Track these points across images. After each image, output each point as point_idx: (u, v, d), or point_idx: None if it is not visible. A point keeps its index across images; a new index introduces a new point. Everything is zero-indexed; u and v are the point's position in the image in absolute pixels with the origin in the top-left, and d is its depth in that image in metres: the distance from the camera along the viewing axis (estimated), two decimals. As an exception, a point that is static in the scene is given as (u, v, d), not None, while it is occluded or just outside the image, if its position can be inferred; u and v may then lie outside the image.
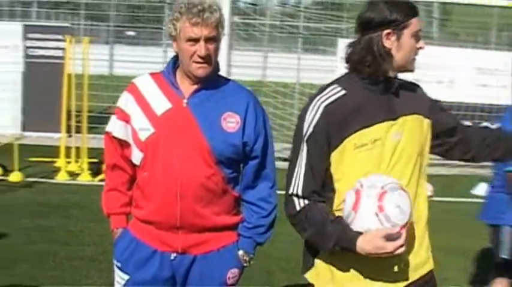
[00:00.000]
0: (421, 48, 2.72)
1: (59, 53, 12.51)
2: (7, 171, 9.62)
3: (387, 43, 2.64)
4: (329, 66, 14.01)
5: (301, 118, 2.68)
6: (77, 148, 10.00)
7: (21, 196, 8.57)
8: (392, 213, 2.46)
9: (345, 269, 2.68)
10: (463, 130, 2.91)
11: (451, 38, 20.00)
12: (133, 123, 2.91)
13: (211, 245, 2.96)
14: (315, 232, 2.61)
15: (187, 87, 2.90)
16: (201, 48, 2.78)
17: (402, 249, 2.49)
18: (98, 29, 22.74)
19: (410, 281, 2.74)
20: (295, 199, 2.65)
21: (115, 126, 2.98)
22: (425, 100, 2.85)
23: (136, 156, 2.92)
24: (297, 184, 2.65)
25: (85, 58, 10.41)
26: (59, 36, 12.47)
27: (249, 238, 3.02)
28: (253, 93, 3.04)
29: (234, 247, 3.02)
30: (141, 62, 14.78)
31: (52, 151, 10.67)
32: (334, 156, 2.62)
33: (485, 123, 10.57)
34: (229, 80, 3.03)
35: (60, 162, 10.12)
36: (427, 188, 8.64)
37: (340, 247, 2.56)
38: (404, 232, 2.48)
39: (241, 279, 3.11)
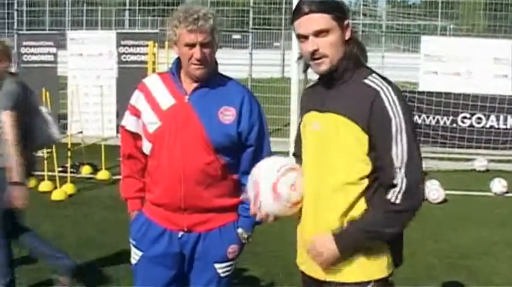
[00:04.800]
0: (311, 52, 2.72)
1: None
2: (97, 170, 10.34)
3: None
4: (412, 64, 14.04)
5: None
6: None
7: (103, 192, 9.25)
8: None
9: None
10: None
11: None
12: (143, 118, 3.30)
13: (213, 224, 3.30)
14: None
15: (189, 85, 3.26)
16: (197, 52, 3.13)
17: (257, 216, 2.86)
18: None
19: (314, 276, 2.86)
20: None
21: (127, 121, 3.39)
22: (377, 118, 2.67)
23: (146, 146, 3.31)
24: None
25: (168, 62, 10.98)
26: (149, 43, 13.16)
27: (247, 217, 3.28)
28: (248, 88, 3.39)
29: (234, 225, 3.34)
30: (226, 65, 15.18)
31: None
32: None
33: None
34: (227, 77, 3.35)
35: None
36: (502, 184, 8.74)
37: None
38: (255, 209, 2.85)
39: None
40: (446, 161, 11.76)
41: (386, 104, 2.67)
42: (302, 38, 2.74)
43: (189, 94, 3.24)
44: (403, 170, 2.63)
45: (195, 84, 3.25)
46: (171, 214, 3.27)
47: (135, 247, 3.40)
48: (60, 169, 9.48)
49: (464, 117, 12.54)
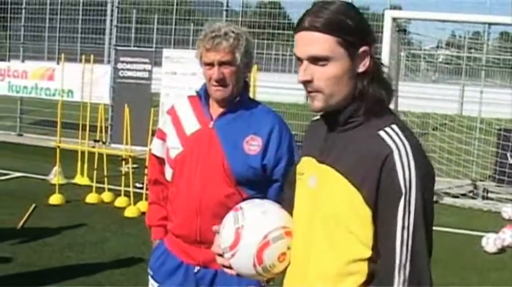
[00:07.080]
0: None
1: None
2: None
3: None
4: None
5: None
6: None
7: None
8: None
9: None
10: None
11: None
12: (167, 142, 3.15)
13: None
14: None
15: (216, 110, 3.06)
16: (215, 72, 2.95)
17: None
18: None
19: None
20: None
21: (154, 145, 3.27)
22: (384, 188, 1.92)
23: (168, 172, 3.15)
24: None
25: (255, 85, 10.94)
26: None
27: None
28: (281, 117, 3.13)
29: None
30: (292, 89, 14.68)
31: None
32: None
33: None
34: (258, 103, 3.15)
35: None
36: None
37: None
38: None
39: None
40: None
41: (399, 170, 1.90)
42: (299, 59, 2.05)
43: (215, 119, 3.06)
44: (407, 270, 1.88)
45: (222, 109, 3.06)
46: (187, 246, 3.09)
47: (152, 277, 3.23)
48: (141, 185, 9.54)
49: None
